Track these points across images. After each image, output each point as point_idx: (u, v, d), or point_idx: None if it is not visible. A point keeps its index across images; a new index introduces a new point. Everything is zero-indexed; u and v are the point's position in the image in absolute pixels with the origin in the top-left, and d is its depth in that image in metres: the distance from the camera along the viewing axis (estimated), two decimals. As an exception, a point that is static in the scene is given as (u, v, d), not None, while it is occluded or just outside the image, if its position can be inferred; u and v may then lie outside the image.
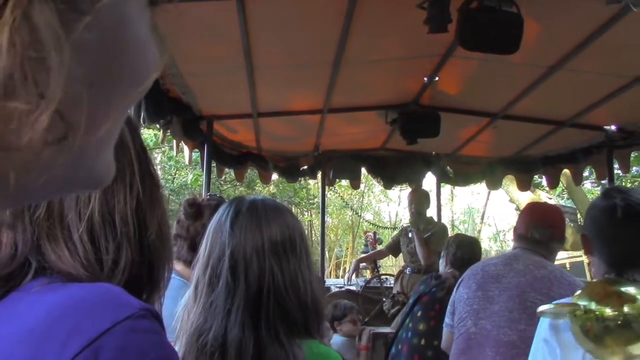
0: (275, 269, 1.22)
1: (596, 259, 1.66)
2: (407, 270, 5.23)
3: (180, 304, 1.33)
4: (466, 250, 3.50)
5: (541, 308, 1.58)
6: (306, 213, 15.92)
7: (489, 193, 15.89)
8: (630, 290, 1.47)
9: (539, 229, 2.48)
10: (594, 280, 1.62)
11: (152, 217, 0.75)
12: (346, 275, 6.96)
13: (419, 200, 5.32)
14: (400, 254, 5.70)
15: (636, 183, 10.89)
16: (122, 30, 0.35)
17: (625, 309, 1.43)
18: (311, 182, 12.87)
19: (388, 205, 18.99)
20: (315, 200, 15.40)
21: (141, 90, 0.38)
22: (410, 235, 5.27)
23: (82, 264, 0.68)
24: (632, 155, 5.34)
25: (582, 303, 1.48)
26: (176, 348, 1.27)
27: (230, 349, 1.16)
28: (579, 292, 1.53)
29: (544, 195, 11.03)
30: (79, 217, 0.70)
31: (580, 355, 1.49)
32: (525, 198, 9.71)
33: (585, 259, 6.56)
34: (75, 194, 0.68)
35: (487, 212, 17.81)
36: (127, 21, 0.36)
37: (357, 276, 6.48)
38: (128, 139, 0.75)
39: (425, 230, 5.11)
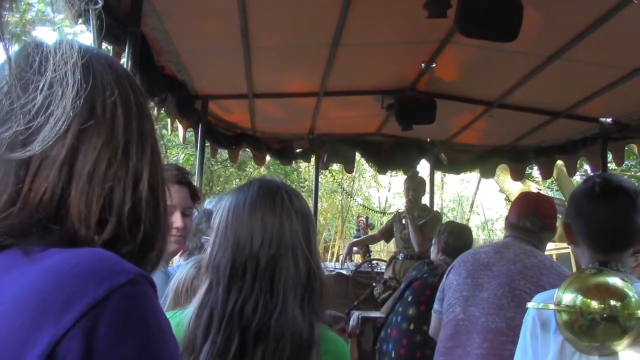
0: (290, 257, 1.24)
1: (580, 247, 1.66)
2: (400, 256, 5.24)
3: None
4: (457, 237, 3.52)
5: (529, 304, 1.58)
6: (297, 196, 15.83)
7: (479, 182, 15.90)
8: (617, 282, 1.46)
9: (531, 218, 2.49)
10: (580, 270, 1.61)
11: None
12: (340, 259, 6.98)
13: (416, 187, 5.30)
14: (393, 240, 5.71)
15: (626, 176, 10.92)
16: None
17: (612, 302, 1.42)
18: (302, 165, 12.83)
19: (378, 191, 18.99)
20: (306, 183, 15.39)
21: None
22: (404, 221, 5.28)
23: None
24: (625, 147, 5.34)
25: (568, 296, 1.47)
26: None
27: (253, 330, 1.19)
28: (565, 282, 1.51)
29: (534, 186, 11.06)
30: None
31: (559, 342, 1.49)
32: (516, 188, 9.74)
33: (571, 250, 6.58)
34: None
35: (476, 201, 17.84)
36: None
37: (349, 260, 6.50)
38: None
39: (420, 218, 5.12)
